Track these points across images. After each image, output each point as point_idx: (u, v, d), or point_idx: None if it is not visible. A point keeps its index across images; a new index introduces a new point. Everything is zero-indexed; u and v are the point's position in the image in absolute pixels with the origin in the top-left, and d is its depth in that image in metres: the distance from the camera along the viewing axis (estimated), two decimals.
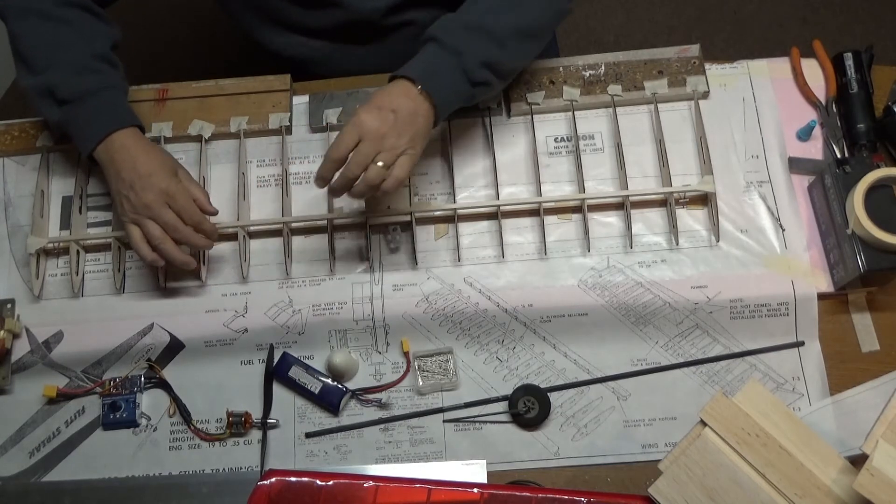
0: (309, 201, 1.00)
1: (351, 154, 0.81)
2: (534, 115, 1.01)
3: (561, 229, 0.97)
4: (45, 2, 0.90)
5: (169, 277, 0.97)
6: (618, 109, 1.01)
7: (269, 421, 0.91)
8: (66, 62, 0.89)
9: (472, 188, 0.99)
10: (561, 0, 0.90)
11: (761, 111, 1.01)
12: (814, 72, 1.02)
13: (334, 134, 1.02)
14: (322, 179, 0.84)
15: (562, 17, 0.92)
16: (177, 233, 0.87)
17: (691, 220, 0.96)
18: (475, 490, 0.82)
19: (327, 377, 0.92)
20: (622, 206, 0.97)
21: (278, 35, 1.08)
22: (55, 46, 0.89)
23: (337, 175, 0.83)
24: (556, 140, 1.01)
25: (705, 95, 1.01)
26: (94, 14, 0.93)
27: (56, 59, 0.89)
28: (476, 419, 0.91)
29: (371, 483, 0.82)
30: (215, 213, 0.92)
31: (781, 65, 1.03)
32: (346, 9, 1.01)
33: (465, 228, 0.97)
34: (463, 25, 0.86)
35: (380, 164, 0.81)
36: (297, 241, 0.98)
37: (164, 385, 0.93)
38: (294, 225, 0.97)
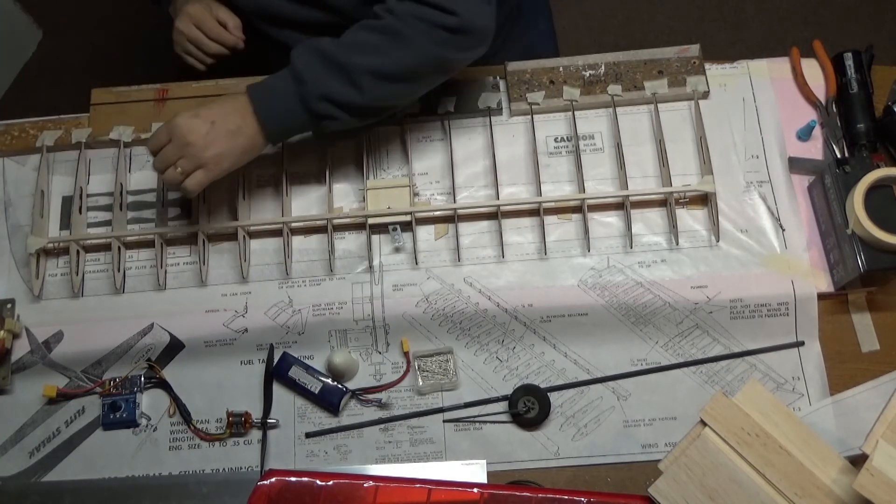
0: (309, 201, 1.00)
1: (159, 155, 0.85)
2: (534, 115, 1.01)
3: (561, 229, 0.97)
4: None
5: (169, 278, 0.97)
6: (618, 109, 1.01)
7: (269, 421, 0.91)
8: None
9: (472, 188, 0.99)
10: (437, 48, 0.84)
11: (761, 111, 1.01)
12: (814, 72, 1.02)
13: (335, 134, 1.02)
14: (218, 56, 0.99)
15: (442, 64, 0.87)
16: (202, 46, 0.98)
17: (691, 220, 0.96)
18: (475, 490, 0.82)
19: (327, 377, 0.92)
20: (622, 206, 0.97)
21: (277, 31, 1.08)
22: None
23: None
24: (556, 140, 1.01)
25: (705, 95, 1.01)
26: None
27: None
28: (476, 419, 0.91)
29: (371, 483, 0.82)
30: (234, 41, 0.99)
31: (781, 65, 1.03)
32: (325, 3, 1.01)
33: (465, 228, 0.97)
34: (321, 54, 0.84)
35: (178, 170, 0.84)
36: (297, 241, 0.98)
37: (164, 385, 0.93)
38: (294, 225, 0.97)
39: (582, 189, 0.97)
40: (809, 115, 1.00)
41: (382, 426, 0.91)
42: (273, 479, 0.82)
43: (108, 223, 1.00)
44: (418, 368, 0.92)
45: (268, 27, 1.05)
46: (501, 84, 1.04)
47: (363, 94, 0.84)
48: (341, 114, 0.86)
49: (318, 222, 0.98)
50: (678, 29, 1.98)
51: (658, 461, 0.80)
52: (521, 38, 1.22)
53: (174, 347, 0.94)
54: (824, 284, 0.92)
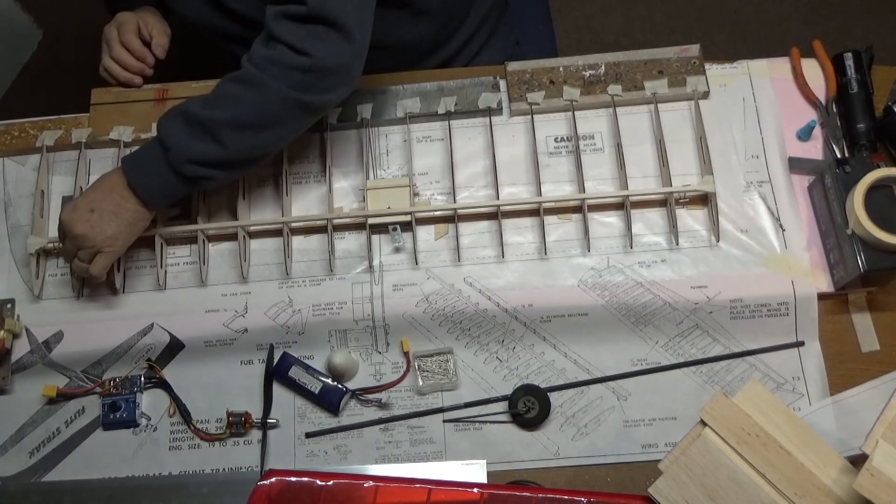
0: (309, 201, 1.00)
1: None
2: (534, 115, 1.01)
3: (561, 229, 0.97)
4: None
5: (169, 278, 0.97)
6: (618, 109, 1.01)
7: (269, 421, 0.91)
8: None
9: (472, 188, 0.99)
10: (294, 91, 0.82)
11: (761, 111, 1.01)
12: (814, 72, 1.02)
13: (335, 134, 1.02)
14: (142, 75, 1.04)
15: (303, 107, 0.85)
16: (113, 52, 1.03)
17: (691, 220, 0.96)
18: (475, 490, 0.82)
19: (327, 377, 0.92)
20: (622, 206, 0.97)
21: (236, 48, 1.08)
22: None
23: None
24: (556, 140, 1.01)
25: (705, 95, 1.01)
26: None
27: None
28: (476, 419, 0.91)
29: (371, 483, 0.82)
30: (150, 59, 1.05)
31: (781, 65, 1.03)
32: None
33: (465, 228, 0.97)
34: (183, 116, 0.85)
35: (80, 262, 0.88)
36: (297, 241, 0.98)
37: (164, 385, 0.93)
38: (294, 225, 0.97)
39: (582, 189, 0.97)
40: (809, 115, 1.00)
41: (382, 426, 0.91)
42: (273, 479, 0.82)
43: None
44: (418, 368, 0.92)
45: (228, 46, 1.05)
46: (501, 84, 1.04)
47: (227, 149, 0.84)
48: (212, 172, 0.86)
49: (318, 222, 0.98)
50: (678, 29, 1.97)
51: (658, 461, 0.80)
52: (510, 33, 1.22)
53: (174, 347, 0.94)
54: (824, 284, 0.92)
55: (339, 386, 0.91)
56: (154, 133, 1.01)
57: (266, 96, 0.82)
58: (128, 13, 1.05)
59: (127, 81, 1.04)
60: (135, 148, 1.03)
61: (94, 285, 0.97)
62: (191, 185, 0.87)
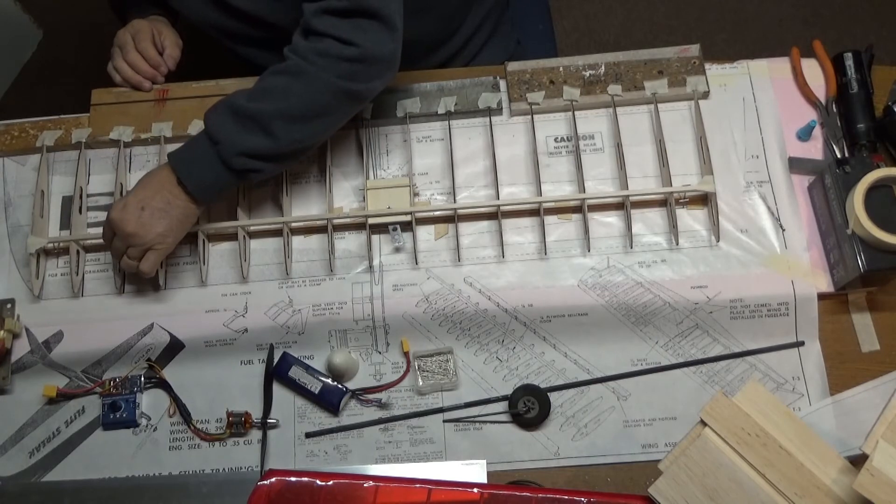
0: (309, 201, 1.00)
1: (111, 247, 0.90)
2: (534, 115, 1.01)
3: (561, 229, 0.97)
4: None
5: (169, 278, 0.97)
6: (618, 109, 1.01)
7: (269, 421, 0.91)
8: None
9: (472, 188, 0.99)
10: (342, 81, 0.84)
11: (761, 111, 1.01)
12: (814, 72, 1.02)
13: (335, 134, 1.02)
14: (152, 81, 1.05)
15: (350, 96, 0.86)
16: (128, 56, 1.04)
17: (691, 220, 0.96)
18: (475, 490, 0.82)
19: (327, 377, 0.92)
20: (622, 206, 0.97)
21: (242, 49, 1.09)
22: None
23: None
24: (556, 140, 1.01)
25: (705, 95, 1.01)
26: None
27: None
28: (476, 419, 0.91)
29: (371, 483, 0.82)
30: (164, 69, 1.06)
31: (781, 65, 1.03)
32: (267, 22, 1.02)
33: (465, 228, 0.97)
34: (231, 109, 0.85)
35: (130, 260, 0.89)
36: (297, 241, 0.98)
37: (164, 385, 0.93)
38: (294, 225, 0.97)
39: (582, 189, 0.97)
40: (809, 115, 1.00)
41: (382, 426, 0.91)
42: (273, 479, 0.82)
43: None
44: (418, 368, 0.92)
45: (231, 45, 1.05)
46: (501, 84, 1.04)
47: (277, 140, 0.85)
48: (262, 164, 0.87)
49: (318, 222, 0.98)
50: (678, 29, 1.97)
51: (658, 461, 0.80)
52: (510, 33, 1.22)
53: (174, 347, 0.94)
54: (824, 284, 0.92)
55: (339, 386, 0.91)
56: (154, 133, 1.02)
57: (315, 87, 0.84)
58: (143, 21, 1.06)
59: (137, 84, 1.05)
60: (135, 148, 1.04)
61: (94, 286, 0.97)
62: (240, 179, 0.88)
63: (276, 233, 0.98)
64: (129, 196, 0.88)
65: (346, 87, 0.85)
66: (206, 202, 0.90)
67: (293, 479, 0.82)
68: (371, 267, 0.96)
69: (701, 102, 1.00)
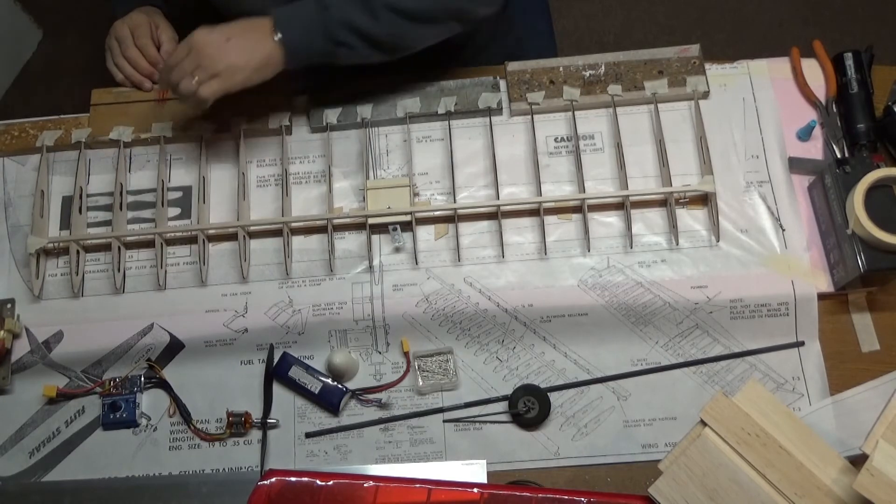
0: (309, 201, 1.00)
1: (176, 67, 0.89)
2: (534, 115, 1.01)
3: (561, 229, 0.97)
4: None
5: (169, 278, 0.97)
6: (618, 109, 1.01)
7: (269, 421, 0.91)
8: None
9: (472, 188, 0.99)
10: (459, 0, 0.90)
11: (761, 111, 1.01)
12: (814, 72, 1.02)
13: (335, 134, 1.02)
14: (151, 80, 1.04)
15: (460, 13, 0.91)
16: (128, 51, 1.04)
17: (691, 220, 0.96)
18: (475, 490, 0.82)
19: (327, 377, 0.92)
20: (622, 206, 0.97)
21: None
22: None
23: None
24: (556, 140, 1.01)
25: (705, 95, 1.01)
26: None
27: None
28: (476, 419, 0.91)
29: (371, 483, 0.82)
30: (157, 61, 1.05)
31: (781, 65, 1.03)
32: None
33: (465, 228, 0.97)
34: None
35: (195, 79, 0.87)
36: (297, 241, 0.98)
37: (164, 385, 0.93)
38: (294, 225, 0.97)
39: (582, 189, 0.97)
40: (809, 115, 1.00)
41: (382, 426, 0.91)
42: (273, 479, 0.82)
43: (108, 223, 1.00)
44: (418, 368, 0.92)
45: None
46: (501, 84, 1.04)
47: (380, 26, 0.88)
48: (358, 42, 0.89)
49: (318, 222, 0.98)
50: (678, 29, 1.97)
51: (658, 461, 0.80)
52: (510, 32, 1.22)
53: (174, 347, 0.94)
54: (824, 284, 0.92)
55: (339, 386, 0.91)
56: (154, 133, 1.02)
57: None
58: (141, 16, 1.06)
59: (138, 83, 1.05)
60: (135, 147, 1.04)
61: (94, 286, 0.97)
62: (333, 49, 0.89)
63: (276, 233, 0.98)
64: (218, 26, 0.88)
65: (460, 4, 0.90)
66: (291, 63, 0.90)
67: (293, 479, 0.82)
68: (371, 267, 0.96)
69: (701, 102, 1.00)
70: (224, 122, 1.02)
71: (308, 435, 0.91)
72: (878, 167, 0.89)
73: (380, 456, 0.90)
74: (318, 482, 0.82)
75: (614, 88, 1.01)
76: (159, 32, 1.06)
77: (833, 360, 0.91)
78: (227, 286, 0.96)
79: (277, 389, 0.93)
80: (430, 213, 0.97)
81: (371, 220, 0.96)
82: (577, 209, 0.97)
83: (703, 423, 0.80)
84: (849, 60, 0.99)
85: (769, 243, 0.94)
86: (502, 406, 0.91)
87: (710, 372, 0.92)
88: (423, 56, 0.98)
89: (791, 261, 0.93)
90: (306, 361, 0.93)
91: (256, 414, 0.91)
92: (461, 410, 0.91)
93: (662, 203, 0.97)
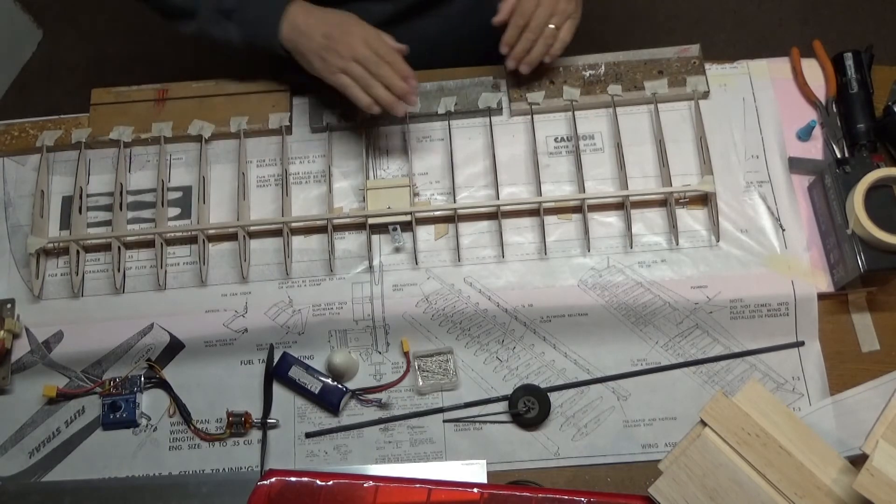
0: (309, 201, 1.00)
1: (533, 15, 0.89)
2: (534, 115, 1.01)
3: (561, 229, 0.97)
4: None
5: (169, 278, 0.97)
6: (618, 109, 1.01)
7: (269, 421, 0.91)
8: None
9: (472, 188, 0.99)
10: None
11: (761, 111, 1.01)
12: (814, 72, 1.02)
13: (335, 134, 1.02)
14: (508, 45, 0.92)
15: None
16: (380, 70, 0.87)
17: (691, 220, 0.96)
18: (475, 490, 0.82)
19: (327, 377, 0.92)
20: (622, 206, 0.97)
21: None
22: None
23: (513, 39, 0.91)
24: (556, 140, 1.01)
25: (705, 95, 1.01)
26: None
27: None
28: (476, 419, 0.91)
29: (371, 483, 0.82)
30: (414, 82, 0.90)
31: (781, 65, 1.03)
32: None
33: (465, 228, 0.97)
34: None
35: (552, 26, 0.89)
36: (297, 241, 0.98)
37: (164, 385, 0.93)
38: (294, 225, 0.97)
39: (582, 189, 0.97)
40: (809, 115, 1.00)
41: (382, 426, 0.91)
42: (273, 479, 0.82)
43: (108, 223, 1.00)
44: (418, 368, 0.92)
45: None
46: (501, 84, 1.04)
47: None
48: None
49: (318, 222, 0.98)
50: (678, 29, 1.98)
51: (658, 461, 0.80)
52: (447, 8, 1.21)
53: (174, 347, 0.94)
54: (824, 284, 0.92)
55: (339, 386, 0.91)
56: (154, 133, 1.02)
57: None
58: (358, 19, 0.89)
59: (391, 106, 0.90)
60: (135, 147, 1.04)
61: (94, 286, 0.97)
62: None
63: (276, 233, 0.98)
64: (311, 38, 0.88)
65: None
66: None
67: (293, 479, 0.82)
68: (371, 267, 0.96)
69: (701, 102, 1.00)
70: (224, 123, 1.02)
71: (308, 435, 0.91)
72: (878, 167, 0.89)
73: (380, 456, 0.90)
74: (318, 482, 0.82)
75: (614, 88, 1.01)
76: (377, 35, 0.90)
77: (833, 360, 0.91)
78: (226, 286, 0.96)
79: (277, 389, 0.93)
80: (430, 213, 0.97)
81: (371, 220, 0.96)
82: (577, 209, 0.97)
83: (703, 423, 0.80)
84: (849, 60, 1.00)
85: (769, 243, 0.94)
86: (502, 406, 0.91)
87: (710, 372, 0.92)
88: (423, 56, 0.97)
89: (791, 261, 0.93)
90: (306, 361, 0.93)
91: (256, 414, 0.91)
92: (461, 410, 0.91)
93: (662, 203, 0.97)
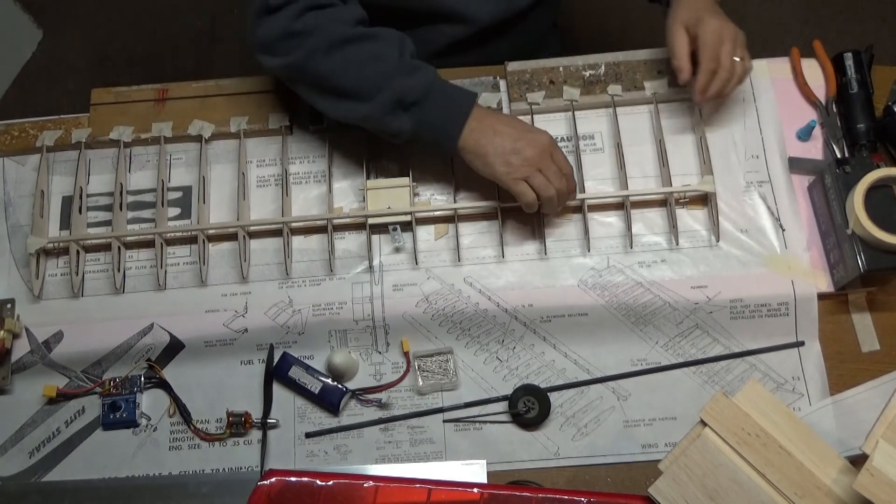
0: (309, 201, 1.00)
1: (721, 56, 0.91)
2: (534, 115, 1.01)
3: (561, 229, 0.97)
4: (343, 28, 0.88)
5: (169, 278, 0.97)
6: (618, 109, 1.01)
7: (269, 421, 0.91)
8: (395, 70, 0.87)
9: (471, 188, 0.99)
10: None
11: (761, 111, 1.01)
12: (814, 72, 1.02)
13: (335, 134, 1.02)
14: (702, 92, 0.92)
15: None
16: (560, 181, 0.89)
17: (691, 220, 0.96)
18: (475, 490, 0.82)
19: (327, 377, 0.92)
20: (622, 206, 0.97)
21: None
22: (377, 61, 0.88)
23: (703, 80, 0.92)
24: (556, 140, 1.01)
25: None
26: (370, 19, 0.93)
27: (387, 72, 0.87)
28: (476, 419, 0.91)
29: (371, 483, 0.82)
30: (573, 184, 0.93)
31: (781, 65, 1.03)
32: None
33: (465, 228, 0.97)
34: None
35: (737, 59, 0.91)
36: (297, 241, 0.98)
37: (164, 385, 0.93)
38: (294, 225, 0.97)
39: (582, 189, 0.97)
40: (809, 115, 1.00)
41: (382, 426, 0.91)
42: (273, 479, 0.82)
43: (108, 223, 1.00)
44: (418, 368, 0.92)
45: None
46: (501, 84, 1.04)
47: None
48: None
49: (318, 222, 0.98)
50: None
51: (658, 461, 0.80)
52: (523, 33, 1.22)
53: (174, 347, 0.94)
54: (824, 284, 0.92)
55: (339, 386, 0.91)
56: (154, 133, 1.02)
57: None
58: (546, 134, 0.90)
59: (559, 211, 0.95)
60: (135, 147, 1.04)
61: (94, 286, 0.97)
62: None
63: (276, 233, 0.98)
64: (712, 16, 0.94)
65: None
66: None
67: (293, 479, 0.82)
68: (371, 267, 0.96)
69: None
70: (224, 123, 1.02)
71: (308, 435, 0.91)
72: (878, 167, 0.89)
73: (380, 456, 0.90)
74: (318, 482, 0.82)
75: (614, 88, 1.01)
76: (557, 146, 0.93)
77: (833, 360, 0.91)
78: (226, 286, 0.96)
79: (277, 389, 0.93)
80: (430, 213, 0.97)
81: (371, 220, 0.96)
82: (577, 209, 0.97)
83: (703, 423, 0.80)
84: (849, 60, 1.00)
85: (769, 243, 0.94)
86: (502, 406, 0.91)
87: (710, 372, 0.92)
88: (432, 58, 0.98)
89: (791, 261, 0.93)
90: (306, 361, 0.93)
91: (256, 414, 0.91)
92: (461, 410, 0.91)
93: (662, 203, 0.97)
